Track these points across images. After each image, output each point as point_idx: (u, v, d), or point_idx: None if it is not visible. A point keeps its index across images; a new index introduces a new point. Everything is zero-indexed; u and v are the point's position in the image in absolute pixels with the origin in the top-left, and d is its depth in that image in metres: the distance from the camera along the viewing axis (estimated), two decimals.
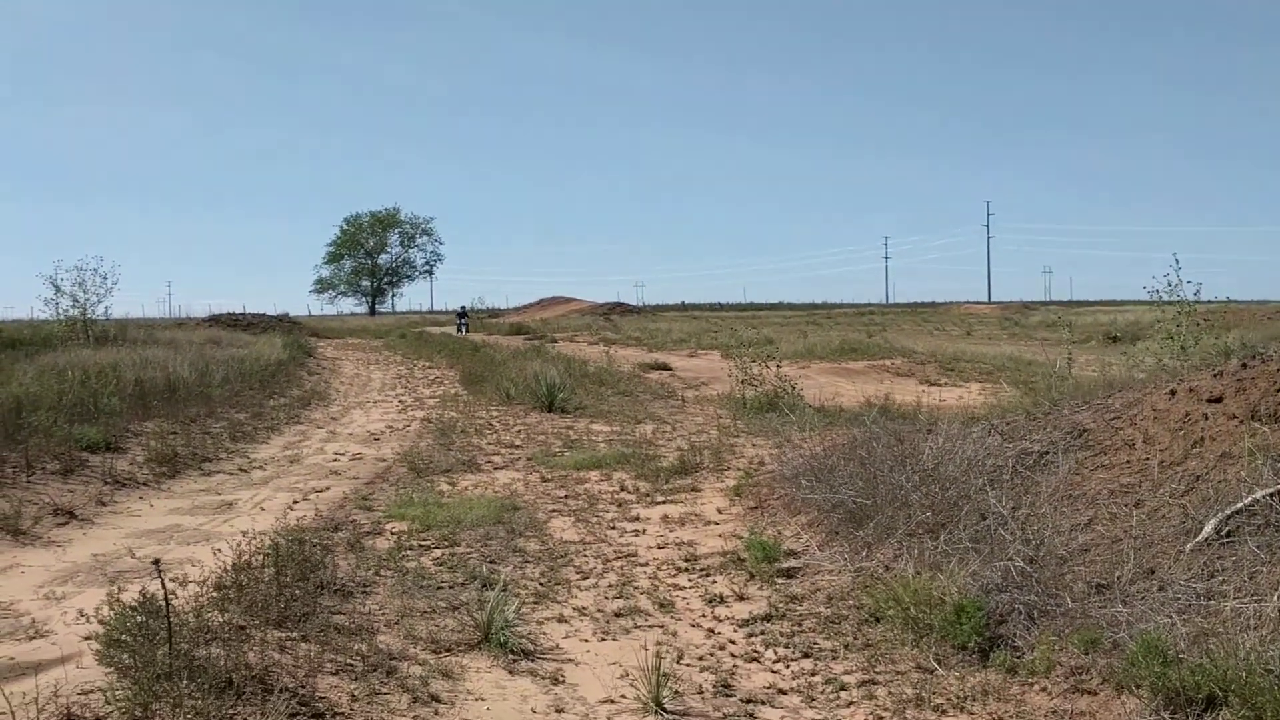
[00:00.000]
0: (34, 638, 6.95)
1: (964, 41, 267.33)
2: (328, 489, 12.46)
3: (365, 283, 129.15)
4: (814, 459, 10.96)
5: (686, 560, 9.13)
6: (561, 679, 6.48)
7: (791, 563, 8.71)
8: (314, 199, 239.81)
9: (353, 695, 5.94)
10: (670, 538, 9.95)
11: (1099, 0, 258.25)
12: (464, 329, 60.15)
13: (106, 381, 18.23)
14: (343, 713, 5.73)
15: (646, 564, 9.08)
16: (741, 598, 8.05)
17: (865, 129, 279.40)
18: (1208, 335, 15.20)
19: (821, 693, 6.25)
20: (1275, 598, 5.82)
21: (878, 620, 7.16)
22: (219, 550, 8.49)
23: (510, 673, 6.54)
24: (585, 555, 9.33)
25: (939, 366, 27.80)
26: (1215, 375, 8.59)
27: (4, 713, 5.33)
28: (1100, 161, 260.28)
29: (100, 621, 6.50)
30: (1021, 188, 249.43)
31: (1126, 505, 7.51)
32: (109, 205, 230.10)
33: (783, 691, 6.30)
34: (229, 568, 7.68)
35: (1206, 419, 7.99)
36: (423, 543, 9.60)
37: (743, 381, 19.86)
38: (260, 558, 7.89)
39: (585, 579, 8.62)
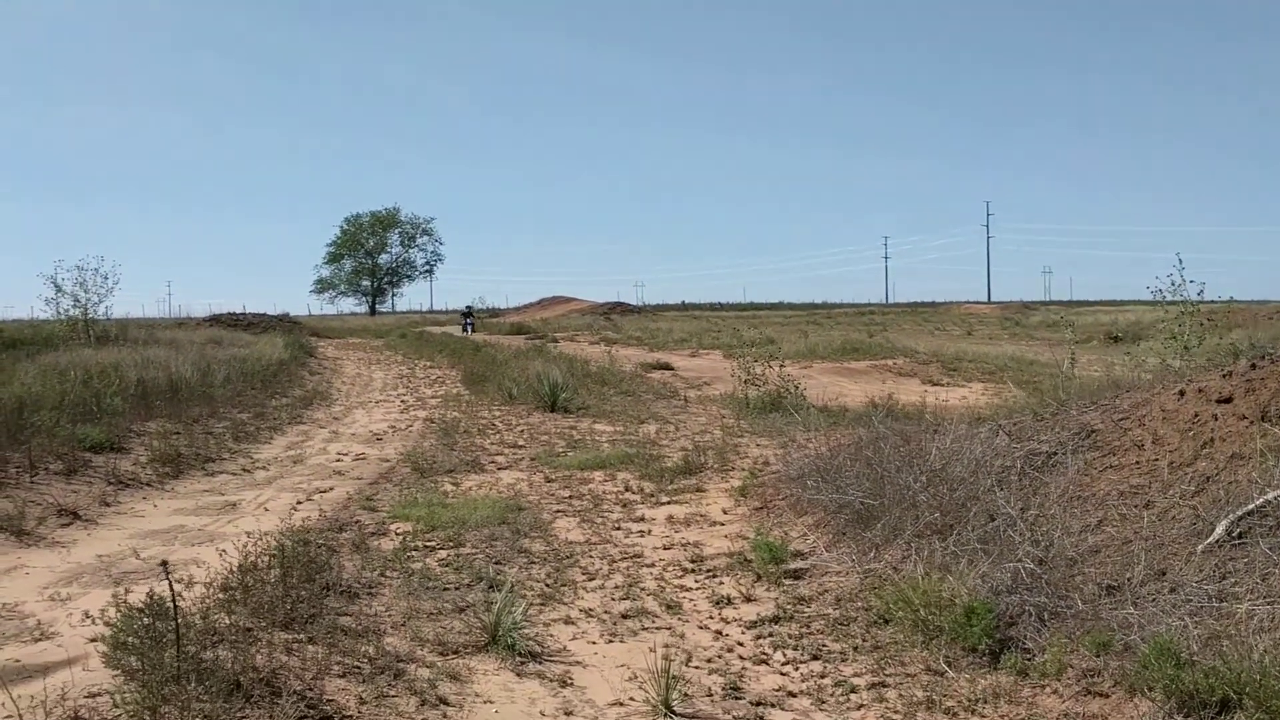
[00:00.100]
0: (39, 640, 6.92)
1: (964, 41, 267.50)
2: (331, 489, 12.43)
3: (365, 283, 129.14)
4: (820, 459, 10.93)
5: (693, 561, 9.10)
6: (570, 681, 6.45)
7: (799, 564, 8.67)
8: (314, 199, 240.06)
9: (360, 698, 5.91)
10: (676, 538, 9.91)
11: (1091, 8, 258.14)
12: (470, 329, 59.81)
13: (109, 381, 18.22)
14: (351, 715, 5.71)
15: (653, 565, 9.04)
16: (749, 599, 8.02)
17: (865, 129, 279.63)
18: (1211, 335, 15.16)
19: (831, 695, 6.22)
20: None
21: (887, 622, 7.12)
22: (224, 551, 8.47)
23: (518, 675, 6.50)
24: (591, 556, 9.30)
25: (941, 366, 27.77)
26: (1224, 376, 8.56)
27: (12, 716, 5.31)
28: (1100, 161, 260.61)
29: (106, 623, 6.48)
30: (1021, 187, 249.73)
31: (1136, 506, 7.47)
32: (109, 205, 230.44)
33: (792, 694, 6.27)
34: (235, 569, 7.66)
35: (1216, 420, 7.96)
36: (428, 543, 9.57)
37: (746, 381, 19.83)
38: (266, 559, 7.85)
39: (591, 580, 8.58)
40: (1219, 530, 6.64)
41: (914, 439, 10.41)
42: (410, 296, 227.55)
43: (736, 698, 6.22)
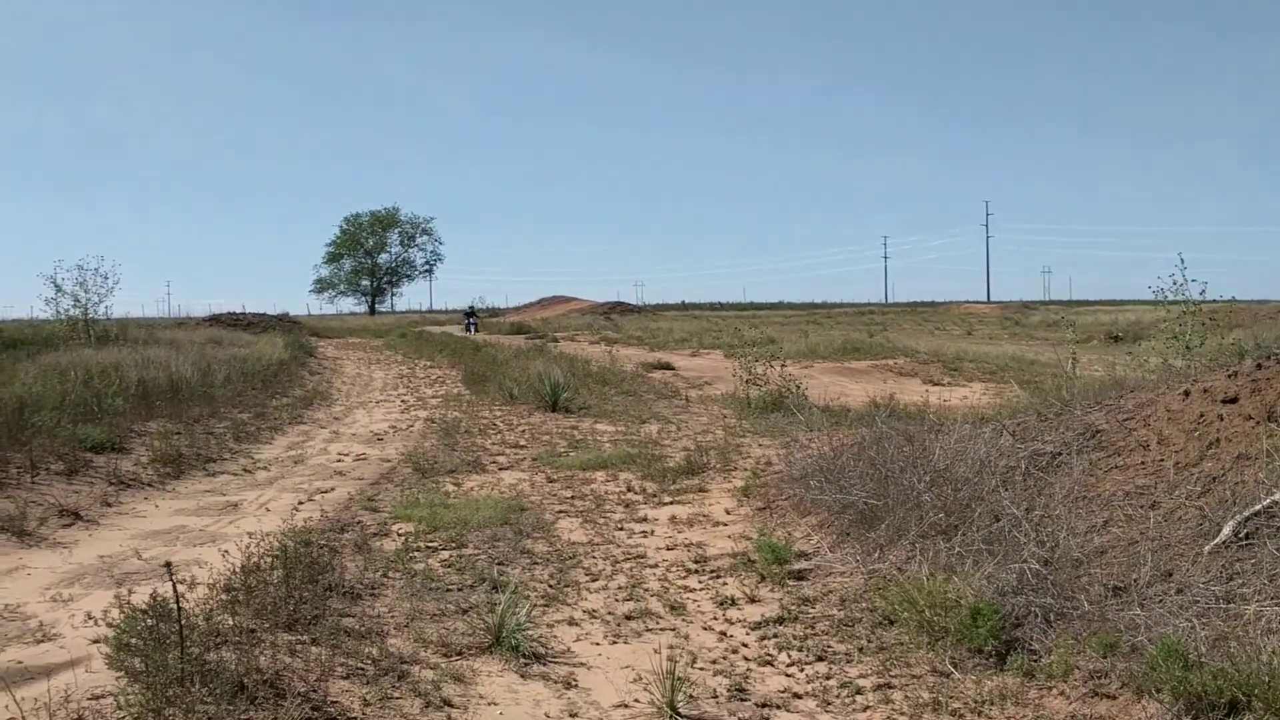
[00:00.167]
0: (42, 641, 6.89)
1: (963, 40, 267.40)
2: (332, 490, 12.41)
3: (365, 282, 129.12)
4: (823, 459, 10.91)
5: (696, 562, 9.07)
6: (574, 683, 6.42)
7: (802, 564, 8.65)
8: (313, 198, 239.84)
9: (365, 700, 5.89)
10: (679, 539, 9.89)
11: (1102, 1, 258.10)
12: (473, 329, 59.54)
13: (109, 381, 18.18)
14: (355, 717, 5.68)
15: (656, 565, 9.02)
16: (753, 600, 7.99)
17: (865, 128, 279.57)
18: (1213, 335, 15.13)
19: (837, 697, 6.19)
20: None
21: (892, 623, 7.10)
22: (226, 552, 8.45)
23: (522, 677, 6.48)
24: (594, 557, 9.28)
25: (942, 366, 27.75)
26: (1229, 376, 8.53)
27: (15, 718, 5.28)
28: (1099, 161, 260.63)
29: (109, 625, 6.46)
30: (1020, 187, 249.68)
31: (1142, 507, 7.45)
32: (108, 205, 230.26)
33: (798, 695, 6.24)
34: (237, 570, 7.64)
35: (1222, 420, 7.94)
36: (430, 544, 9.55)
37: (747, 381, 19.82)
38: (268, 560, 7.84)
39: (595, 581, 8.56)
40: (1226, 531, 6.62)
41: (917, 439, 10.39)
42: (410, 296, 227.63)
43: (742, 699, 6.19)
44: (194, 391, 19.98)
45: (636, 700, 6.14)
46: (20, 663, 6.43)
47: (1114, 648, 5.93)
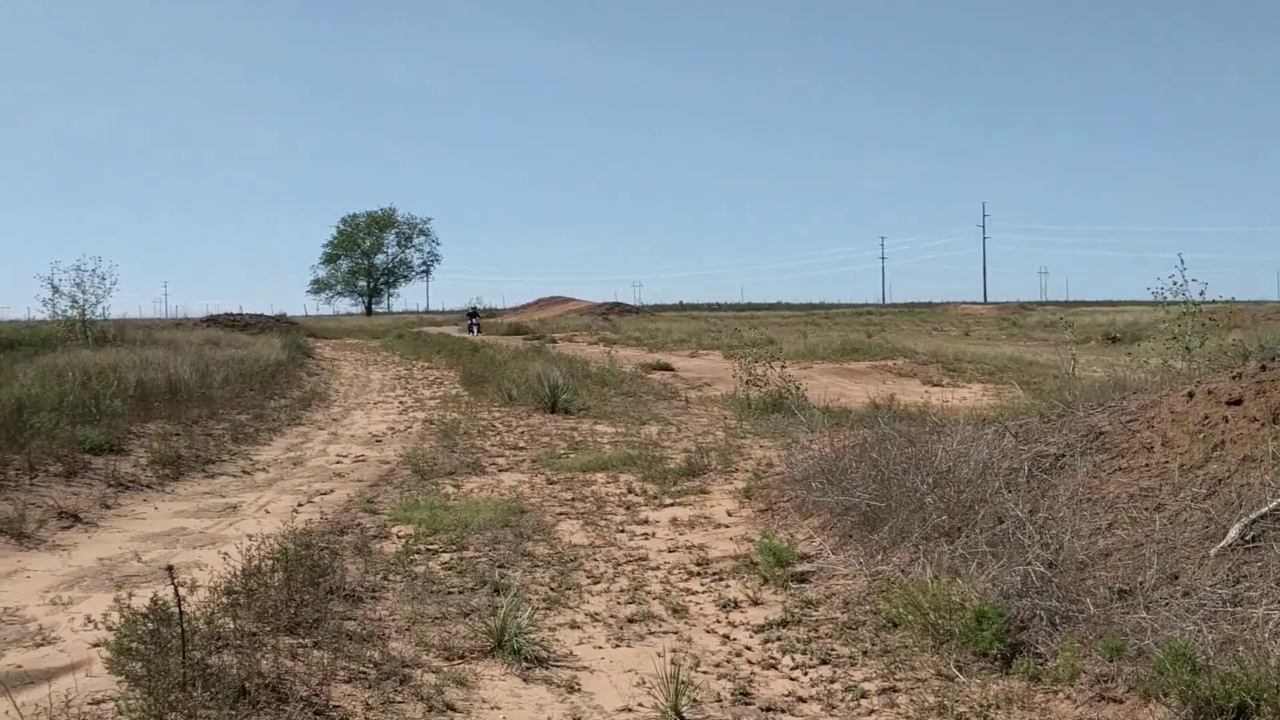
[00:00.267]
0: (42, 645, 6.85)
1: (961, 41, 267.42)
2: (332, 491, 12.37)
3: (362, 283, 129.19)
4: (824, 461, 10.88)
5: (698, 564, 9.04)
6: (577, 687, 6.39)
7: (805, 567, 8.62)
8: (310, 199, 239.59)
9: (367, 704, 5.86)
10: (681, 541, 9.86)
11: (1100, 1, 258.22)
12: (475, 329, 59.22)
13: (107, 383, 18.14)
14: None
15: (658, 568, 8.99)
16: (756, 603, 7.96)
17: (863, 129, 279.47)
18: (1213, 336, 15.10)
19: (842, 700, 6.15)
20: None
21: (896, 626, 7.06)
22: (226, 554, 8.43)
23: (525, 680, 6.44)
24: (595, 559, 9.24)
25: (941, 367, 27.74)
26: (1234, 377, 8.50)
27: None
28: (1096, 161, 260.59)
29: (109, 628, 6.44)
30: (1017, 188, 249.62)
31: (1147, 509, 7.42)
32: (105, 205, 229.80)
33: (802, 699, 6.21)
34: (238, 572, 7.61)
35: (1226, 422, 7.91)
36: (430, 546, 9.52)
37: (747, 382, 19.80)
38: (269, 562, 7.81)
39: (596, 583, 8.53)
40: (1232, 534, 6.59)
41: (919, 440, 10.36)
42: (407, 297, 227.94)
43: (746, 703, 6.16)
44: (192, 393, 19.93)
45: (640, 704, 6.10)
46: (20, 667, 6.40)
47: (1120, 651, 5.90)
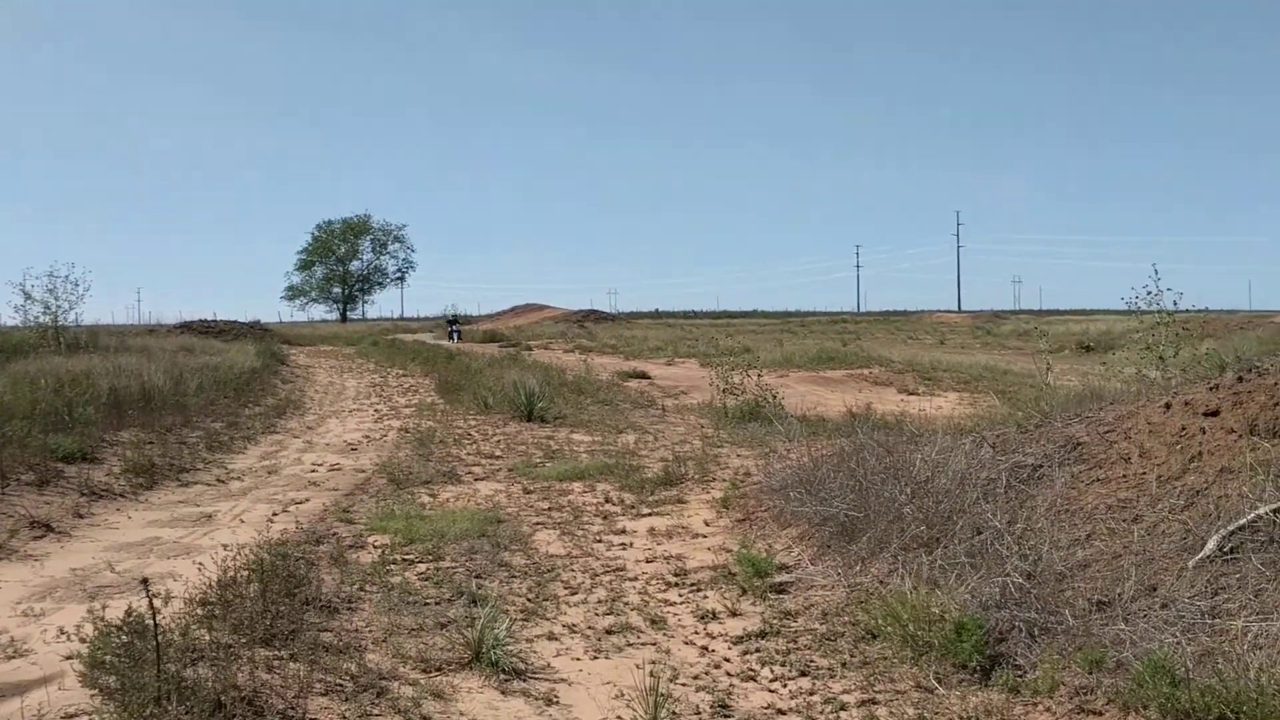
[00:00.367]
0: (13, 657, 6.78)
1: (936, 51, 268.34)
2: (307, 500, 12.30)
3: (336, 290, 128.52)
4: (802, 470, 10.87)
5: (676, 575, 9.01)
6: (555, 699, 6.35)
7: (783, 577, 8.60)
8: (285, 205, 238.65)
9: (344, 717, 5.82)
10: (658, 551, 9.83)
11: (1072, 9, 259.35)
12: (456, 336, 58.84)
13: (80, 390, 18.00)
14: None
15: (635, 578, 8.95)
16: (734, 614, 7.93)
17: (838, 139, 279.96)
18: (1186, 345, 15.16)
19: (821, 713, 6.13)
20: None
21: (875, 637, 7.04)
22: (201, 565, 8.36)
23: (503, 693, 6.40)
24: (572, 569, 9.20)
25: (917, 376, 27.81)
26: (1211, 388, 8.54)
27: None
28: (1070, 171, 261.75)
29: (82, 640, 6.36)
30: (992, 198, 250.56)
31: (1125, 520, 7.44)
32: (78, 212, 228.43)
33: (781, 712, 6.18)
34: (213, 583, 7.55)
35: (1204, 433, 7.93)
36: (406, 556, 9.46)
37: (723, 390, 19.79)
38: (244, 573, 7.74)
39: (574, 594, 8.48)
40: (1210, 545, 6.61)
41: (896, 450, 10.35)
42: (381, 304, 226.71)
43: (725, 716, 6.13)
44: (166, 400, 19.80)
45: (619, 717, 6.07)
46: None
47: (1100, 663, 5.91)
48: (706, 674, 6.76)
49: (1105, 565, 6.98)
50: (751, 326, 79.65)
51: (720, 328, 73.57)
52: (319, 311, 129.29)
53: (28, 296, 32.38)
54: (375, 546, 9.82)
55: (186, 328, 58.46)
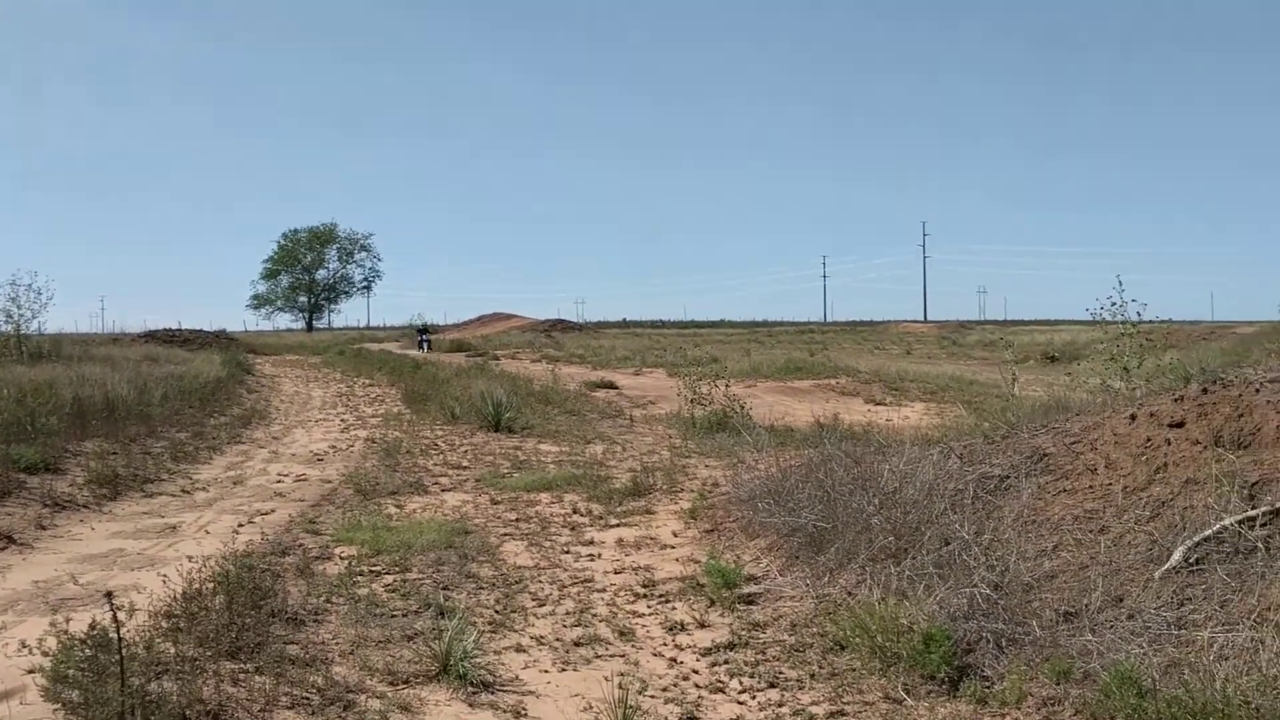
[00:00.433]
0: None
1: (901, 62, 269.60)
2: (273, 511, 12.22)
3: (302, 299, 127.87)
4: (770, 481, 10.88)
5: (644, 586, 9.00)
6: (523, 712, 6.33)
7: (752, 588, 8.60)
8: (250, 214, 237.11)
9: None
10: (626, 562, 9.82)
11: (1034, 23, 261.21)
12: (426, 346, 58.28)
13: (43, 399, 17.81)
14: None
15: (604, 590, 8.94)
16: (703, 625, 7.93)
17: (804, 148, 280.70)
18: (1150, 356, 15.28)
19: None
20: (1248, 626, 5.79)
21: (843, 648, 7.05)
22: (166, 577, 8.28)
23: (470, 706, 6.37)
24: (540, 581, 9.18)
25: (884, 386, 27.92)
26: (1176, 400, 8.59)
27: None
28: (1035, 182, 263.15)
29: (45, 654, 6.29)
30: (957, 208, 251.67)
31: (1091, 531, 7.48)
32: (40, 218, 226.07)
33: None
34: (178, 595, 7.48)
35: (1169, 444, 7.99)
36: (373, 568, 9.41)
37: (691, 401, 19.80)
38: (210, 585, 7.68)
39: (542, 606, 8.46)
40: (1176, 556, 6.65)
41: (864, 461, 10.37)
42: (348, 313, 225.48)
43: None
44: (130, 410, 19.62)
45: None
46: None
47: (1067, 674, 5.94)
48: (675, 686, 6.75)
49: (1072, 576, 7.01)
50: (719, 336, 79.73)
51: (688, 337, 73.60)
52: (285, 320, 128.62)
53: None
54: (342, 558, 9.76)
55: (151, 337, 58.18)
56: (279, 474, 15.16)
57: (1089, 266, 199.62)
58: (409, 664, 6.88)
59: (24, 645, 6.98)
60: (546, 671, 7.01)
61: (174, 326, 66.83)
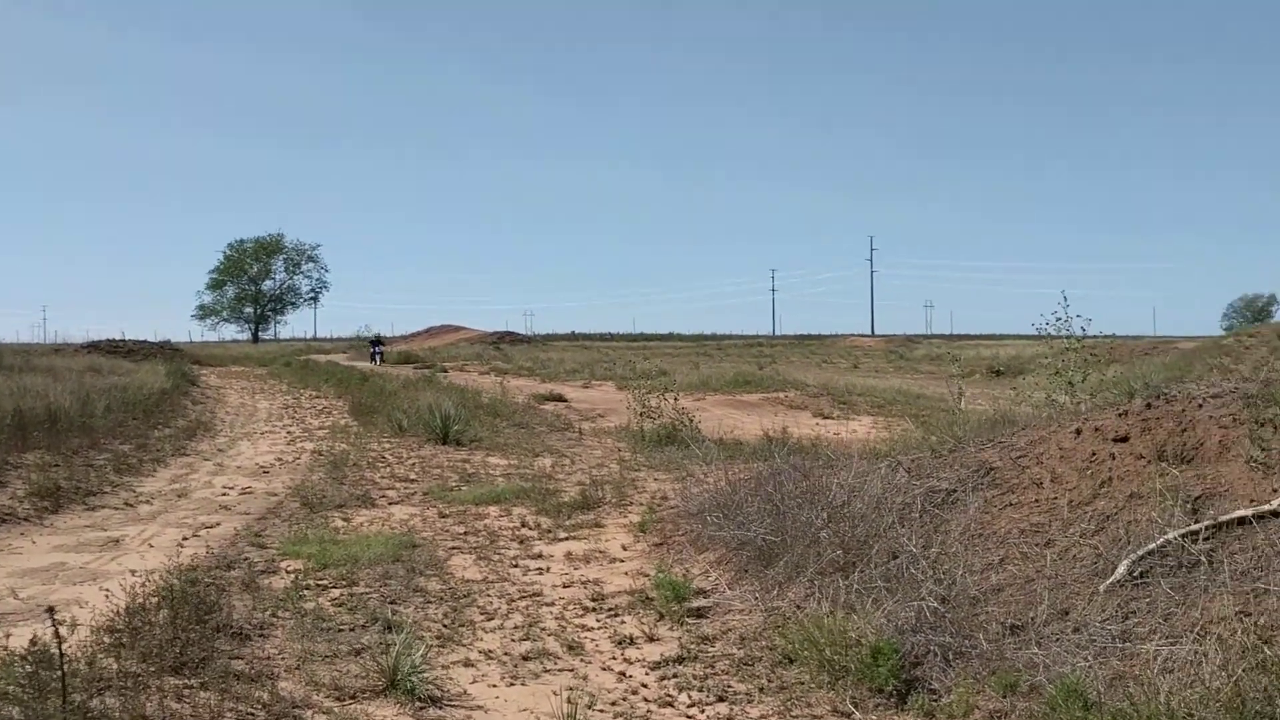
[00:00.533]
0: None
1: (849, 74, 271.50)
2: (218, 525, 12.09)
3: (248, 310, 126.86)
4: (719, 494, 10.89)
5: (593, 599, 8.98)
6: None
7: (701, 602, 8.60)
8: (196, 224, 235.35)
9: None
10: (575, 576, 9.79)
11: (985, 37, 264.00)
12: (379, 358, 57.48)
13: None
14: None
15: (552, 603, 8.91)
16: (652, 639, 7.92)
17: (753, 161, 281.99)
18: (1094, 371, 15.45)
19: None
20: (1191, 639, 5.85)
21: (792, 662, 7.06)
22: (108, 591, 8.19)
23: None
24: (489, 595, 9.14)
25: (832, 399, 28.07)
26: (1120, 415, 8.69)
27: None
28: (981, 196, 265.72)
29: None
30: (904, 223, 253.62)
31: (1037, 545, 7.54)
32: None
33: None
34: (121, 610, 7.39)
35: (1114, 459, 8.08)
36: (320, 582, 9.33)
37: (640, 414, 19.82)
38: (153, 599, 7.59)
39: (490, 620, 8.42)
40: (1121, 570, 6.71)
41: (813, 474, 10.41)
42: (294, 324, 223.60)
43: None
44: (73, 422, 19.38)
45: None
46: None
47: (1013, 687, 5.97)
48: (624, 700, 6.73)
49: (1018, 589, 7.07)
50: (668, 349, 79.94)
51: (637, 350, 73.69)
52: (230, 331, 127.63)
53: None
54: (288, 571, 9.68)
55: (94, 347, 57.49)
56: (224, 487, 15.01)
57: (1034, 282, 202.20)
58: (356, 678, 6.82)
59: None
60: (495, 686, 6.97)
61: (118, 337, 65.91)
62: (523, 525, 12.02)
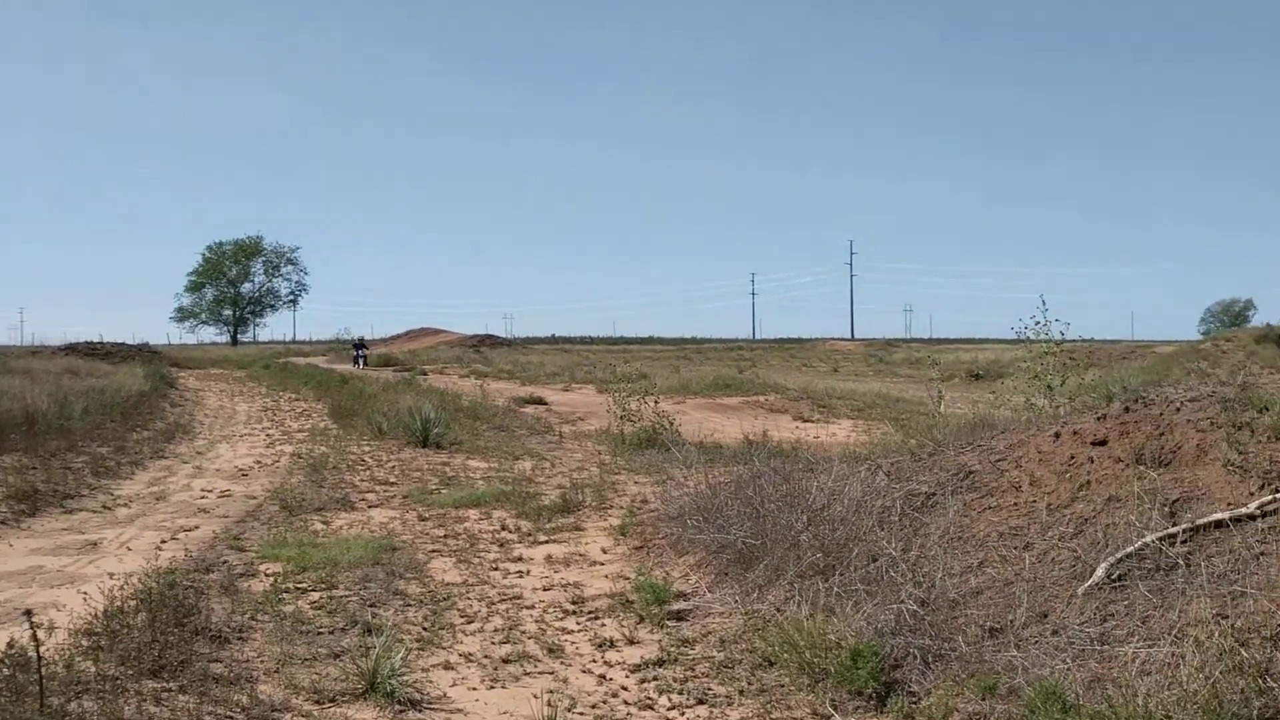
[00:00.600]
0: None
1: (828, 79, 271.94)
2: (197, 528, 12.05)
3: (227, 312, 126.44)
4: (699, 497, 10.90)
5: (574, 602, 8.98)
6: None
7: (681, 605, 8.61)
8: (175, 226, 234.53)
9: None
10: (555, 579, 9.79)
11: (965, 38, 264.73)
12: (362, 362, 56.94)
13: None
14: None
15: (533, 606, 8.90)
16: (632, 641, 7.92)
17: (734, 164, 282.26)
18: (1073, 375, 15.53)
19: None
20: (1169, 642, 5.88)
21: (772, 665, 7.08)
22: (86, 594, 8.15)
23: None
24: (469, 598, 9.13)
25: (812, 403, 28.10)
26: (1099, 418, 8.74)
27: None
28: (960, 201, 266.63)
29: None
30: (884, 227, 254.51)
31: (1016, 548, 7.57)
32: None
33: None
34: (99, 613, 7.36)
35: (1092, 462, 8.12)
36: (299, 585, 9.31)
37: (621, 417, 19.81)
38: (132, 602, 7.56)
39: (470, 623, 8.41)
40: (1099, 573, 6.74)
41: (793, 478, 10.43)
42: (273, 327, 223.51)
43: None
44: (50, 424, 19.30)
45: None
46: None
47: (992, 690, 5.99)
48: (604, 703, 6.74)
49: (997, 592, 7.09)
50: (648, 353, 79.89)
51: (617, 354, 73.63)
52: (209, 334, 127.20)
53: None
54: (267, 575, 9.66)
55: (72, 349, 57.18)
56: (203, 489, 14.96)
57: (1014, 286, 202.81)
58: (335, 682, 6.81)
59: None
60: (475, 689, 6.97)
61: (96, 339, 65.56)
62: (503, 528, 12.01)
